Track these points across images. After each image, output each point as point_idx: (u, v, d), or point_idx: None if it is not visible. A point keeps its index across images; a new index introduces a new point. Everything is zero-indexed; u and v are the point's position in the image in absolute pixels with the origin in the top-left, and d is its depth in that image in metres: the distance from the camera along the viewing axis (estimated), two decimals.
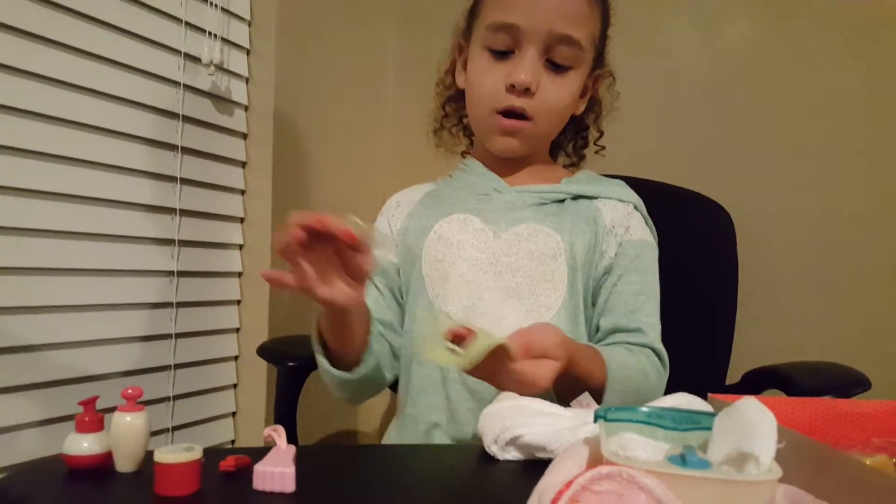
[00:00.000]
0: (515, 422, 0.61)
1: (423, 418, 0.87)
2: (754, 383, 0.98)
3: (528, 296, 0.87)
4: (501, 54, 0.89)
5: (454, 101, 1.04)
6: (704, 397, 0.61)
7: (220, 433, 1.35)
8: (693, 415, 0.50)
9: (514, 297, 0.87)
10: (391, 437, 0.93)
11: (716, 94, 1.41)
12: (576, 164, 1.08)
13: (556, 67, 0.89)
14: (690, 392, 0.73)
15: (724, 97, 1.40)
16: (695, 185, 1.22)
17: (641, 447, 0.46)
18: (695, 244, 1.15)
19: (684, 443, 0.47)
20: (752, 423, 0.43)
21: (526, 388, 0.68)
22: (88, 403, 0.59)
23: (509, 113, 0.89)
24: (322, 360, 0.80)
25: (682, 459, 0.42)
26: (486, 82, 0.90)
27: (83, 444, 0.57)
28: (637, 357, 0.83)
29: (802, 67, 1.34)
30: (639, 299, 0.89)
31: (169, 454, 0.51)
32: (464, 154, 1.08)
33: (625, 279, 0.89)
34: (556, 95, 0.89)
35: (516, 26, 0.86)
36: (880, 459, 0.52)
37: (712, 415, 0.49)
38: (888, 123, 1.28)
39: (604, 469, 0.41)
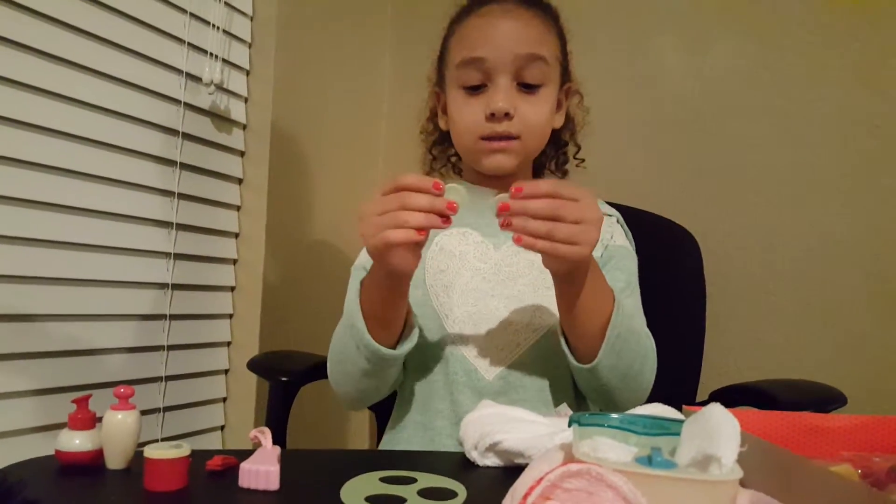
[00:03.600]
0: (494, 428, 0.63)
1: (431, 424, 0.89)
2: (725, 401, 1.00)
3: (531, 302, 0.90)
4: (475, 89, 0.93)
5: (439, 144, 1.09)
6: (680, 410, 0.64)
7: (209, 446, 1.34)
8: (663, 421, 0.52)
9: (517, 303, 0.90)
10: (386, 447, 0.95)
11: (683, 121, 1.45)
12: (561, 179, 1.11)
13: (529, 87, 0.93)
14: None
15: (690, 124, 1.45)
16: (660, 210, 1.26)
17: (612, 449, 0.48)
18: (660, 267, 1.18)
19: (655, 447, 0.49)
20: (717, 428, 0.45)
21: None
22: (81, 401, 0.61)
23: (494, 138, 0.93)
24: (366, 336, 0.79)
25: (648, 460, 0.45)
26: (467, 115, 0.94)
27: (75, 441, 0.58)
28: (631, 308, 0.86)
29: (776, 95, 1.38)
30: (625, 292, 0.92)
31: (158, 451, 0.53)
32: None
33: (611, 276, 0.91)
34: (535, 113, 0.93)
35: (483, 59, 0.91)
36: (842, 468, 0.54)
37: (681, 421, 0.51)
38: (858, 148, 1.32)
39: (573, 467, 0.43)
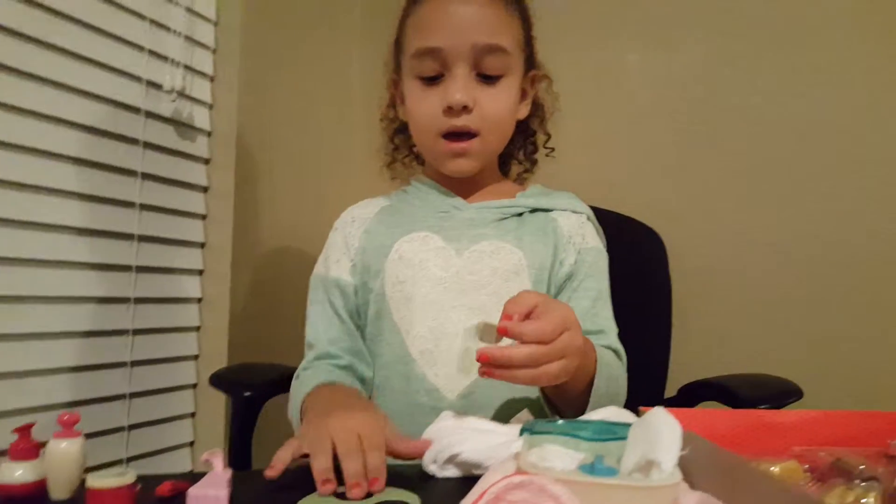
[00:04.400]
0: (452, 440, 0.61)
1: None
2: (692, 396, 1.02)
3: (494, 313, 0.86)
4: (432, 80, 0.89)
5: (401, 132, 1.05)
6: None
7: (178, 464, 1.32)
8: (612, 426, 0.52)
9: (480, 315, 0.86)
10: None
11: (646, 121, 1.47)
12: (529, 169, 1.08)
13: (489, 79, 0.89)
14: (630, 407, 0.74)
15: (654, 123, 1.46)
16: (625, 209, 1.26)
17: (559, 457, 0.47)
18: (626, 266, 1.18)
19: (606, 453, 0.49)
20: (658, 432, 0.45)
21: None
22: (23, 430, 0.58)
23: (454, 134, 0.90)
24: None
25: (591, 468, 0.44)
26: (424, 109, 0.90)
27: (17, 473, 0.56)
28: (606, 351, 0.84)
29: (739, 95, 1.40)
30: (598, 303, 0.90)
31: (101, 479, 0.51)
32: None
33: (584, 285, 0.90)
34: (495, 106, 0.89)
35: (439, 49, 0.87)
36: (789, 465, 0.55)
37: (627, 425, 0.50)
38: (821, 148, 1.35)
39: (516, 479, 0.42)
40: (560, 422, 0.50)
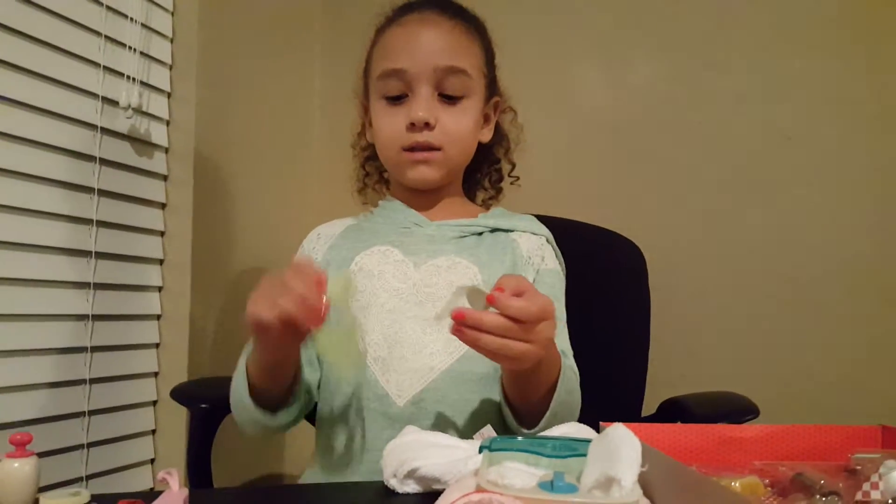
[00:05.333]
0: (412, 455, 0.63)
1: (345, 452, 0.87)
2: (667, 413, 1.02)
3: (448, 325, 0.89)
4: (396, 99, 0.95)
5: (372, 159, 1.09)
6: None
7: (138, 481, 1.31)
8: (572, 442, 0.53)
9: (434, 326, 0.89)
10: (309, 476, 0.93)
11: (624, 135, 1.50)
12: (494, 196, 1.12)
13: (450, 99, 0.94)
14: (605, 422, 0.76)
15: (632, 137, 1.49)
16: (606, 223, 1.27)
17: (519, 475, 0.49)
18: (606, 279, 1.20)
19: (566, 469, 0.50)
20: (617, 448, 0.46)
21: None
22: None
23: (415, 148, 0.93)
24: (245, 397, 0.81)
25: (550, 485, 0.45)
26: (388, 126, 0.95)
27: None
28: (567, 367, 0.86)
29: (703, 109, 1.44)
30: (559, 324, 0.92)
31: (55, 500, 0.51)
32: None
33: None
34: (457, 124, 0.94)
35: (403, 70, 0.92)
36: (750, 480, 0.56)
37: (587, 441, 0.52)
38: (786, 161, 1.38)
39: (475, 497, 0.43)
40: (520, 438, 0.52)
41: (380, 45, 0.98)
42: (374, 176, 1.12)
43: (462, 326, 0.66)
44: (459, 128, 0.95)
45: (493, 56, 1.03)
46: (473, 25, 0.99)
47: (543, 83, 1.54)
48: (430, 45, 0.93)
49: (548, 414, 0.77)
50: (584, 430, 0.62)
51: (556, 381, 0.77)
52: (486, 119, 1.02)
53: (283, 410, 0.84)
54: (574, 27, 1.54)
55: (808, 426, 0.65)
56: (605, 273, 1.15)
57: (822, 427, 0.65)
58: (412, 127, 0.92)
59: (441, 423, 0.84)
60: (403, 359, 0.86)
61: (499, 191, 1.12)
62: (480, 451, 0.52)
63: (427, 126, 0.92)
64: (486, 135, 1.03)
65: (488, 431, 0.73)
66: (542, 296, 0.69)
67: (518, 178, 1.12)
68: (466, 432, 0.84)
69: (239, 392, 0.82)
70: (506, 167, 1.11)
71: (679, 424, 0.66)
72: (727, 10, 1.43)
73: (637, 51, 1.50)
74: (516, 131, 1.09)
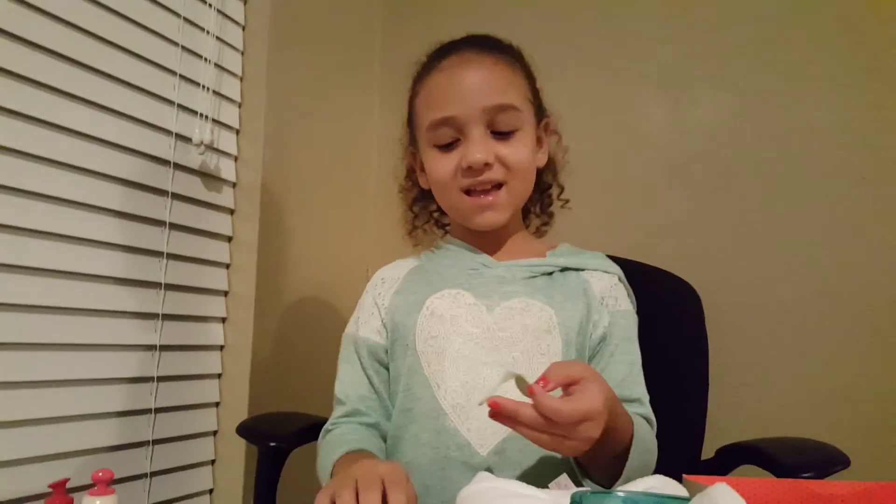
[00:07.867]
0: None
1: (421, 502, 0.84)
2: (729, 458, 0.97)
3: (525, 371, 0.85)
4: (449, 146, 0.93)
5: (419, 200, 1.09)
6: (679, 474, 0.63)
7: None
8: (667, 499, 0.52)
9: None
10: None
11: (683, 173, 1.46)
12: (547, 223, 1.10)
13: (503, 135, 0.92)
14: (666, 467, 0.73)
15: (692, 176, 1.45)
16: (661, 263, 1.23)
17: None
18: (662, 320, 1.16)
19: None
20: None
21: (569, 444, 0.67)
22: (58, 486, 0.59)
23: (476, 189, 0.92)
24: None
25: None
26: (445, 171, 0.93)
27: None
28: (641, 421, 0.83)
29: (770, 147, 1.40)
30: (634, 369, 0.90)
31: None
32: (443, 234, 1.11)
33: (621, 349, 0.91)
34: (515, 155, 0.92)
35: (452, 118, 0.90)
36: None
37: (686, 499, 0.50)
38: (860, 203, 1.33)
39: None
40: (616, 493, 0.51)
41: (423, 95, 0.96)
42: (423, 216, 1.10)
43: (498, 415, 0.67)
44: (519, 158, 0.92)
45: (535, 80, 1.00)
46: (512, 55, 0.97)
47: (601, 114, 1.52)
48: (475, 86, 0.90)
49: (621, 478, 0.75)
50: (669, 485, 0.60)
51: (629, 446, 0.75)
52: (539, 142, 1.00)
53: None
54: (637, 59, 1.53)
55: None
56: (658, 314, 1.12)
57: None
58: (470, 171, 0.90)
59: (524, 473, 0.82)
60: (483, 407, 0.85)
61: (550, 216, 1.10)
62: (571, 503, 0.51)
63: (486, 166, 0.90)
64: (542, 158, 1.01)
65: (564, 481, 0.72)
66: (592, 390, 0.68)
67: (568, 200, 1.09)
68: (543, 482, 0.82)
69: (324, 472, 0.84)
70: (555, 190, 1.09)
71: (761, 479, 0.63)
72: (797, 45, 1.40)
73: (701, 84, 1.48)
74: (561, 153, 1.06)
